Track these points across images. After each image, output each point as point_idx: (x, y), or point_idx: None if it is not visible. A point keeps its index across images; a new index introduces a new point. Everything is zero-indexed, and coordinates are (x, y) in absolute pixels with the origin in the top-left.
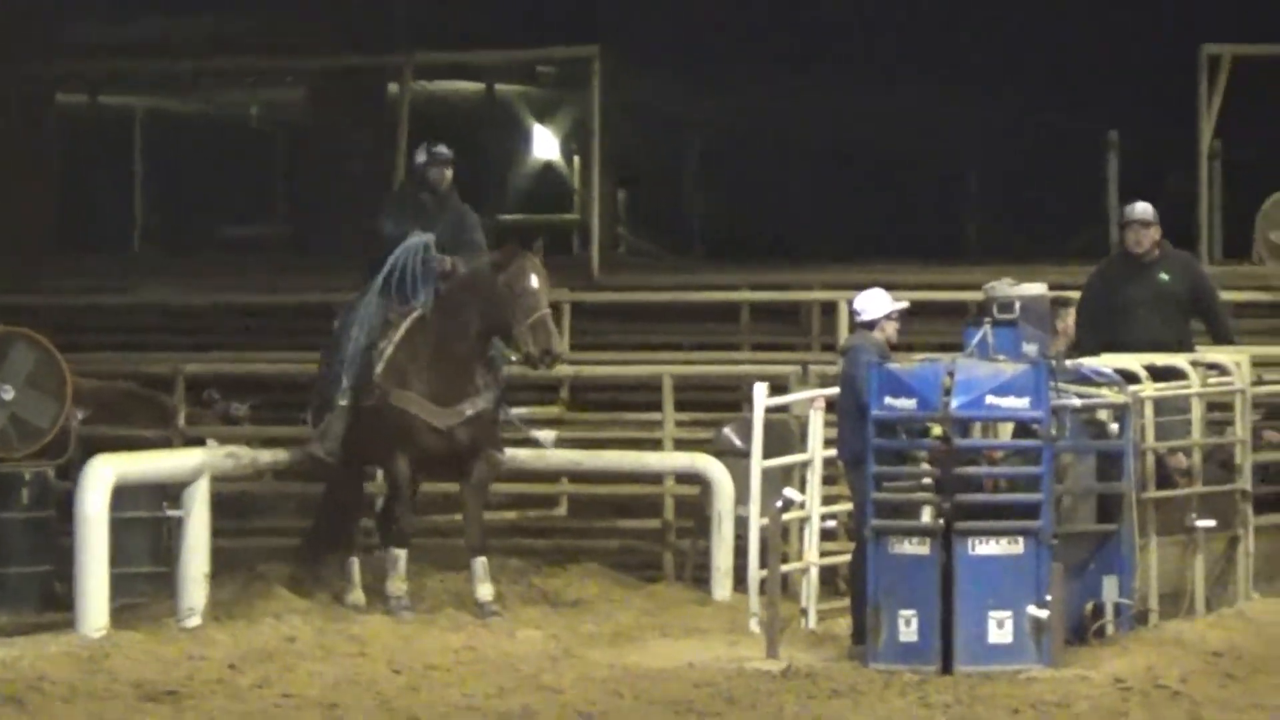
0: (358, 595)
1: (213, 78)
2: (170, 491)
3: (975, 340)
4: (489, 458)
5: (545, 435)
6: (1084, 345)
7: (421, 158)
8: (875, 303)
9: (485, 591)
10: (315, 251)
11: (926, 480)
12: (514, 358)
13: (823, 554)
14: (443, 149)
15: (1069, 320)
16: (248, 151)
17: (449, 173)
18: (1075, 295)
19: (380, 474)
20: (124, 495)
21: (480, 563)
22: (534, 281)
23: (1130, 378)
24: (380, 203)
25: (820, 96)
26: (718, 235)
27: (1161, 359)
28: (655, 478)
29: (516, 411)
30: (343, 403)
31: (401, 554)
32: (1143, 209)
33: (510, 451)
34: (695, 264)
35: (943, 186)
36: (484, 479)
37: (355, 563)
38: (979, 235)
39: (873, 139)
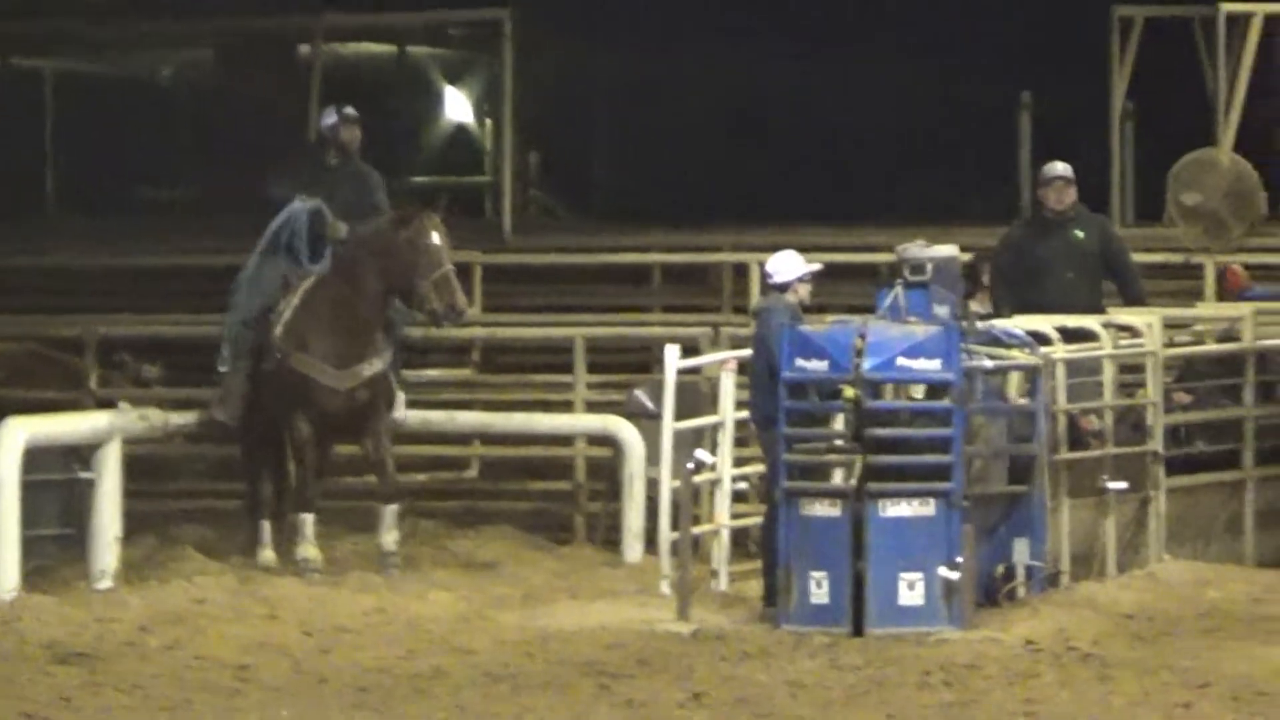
0: (268, 555)
1: (123, 40)
2: (82, 454)
3: (887, 302)
4: (386, 414)
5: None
6: (998, 305)
7: (331, 119)
8: (787, 265)
9: (389, 539)
10: (226, 214)
11: (838, 442)
12: (419, 317)
13: (734, 516)
14: (352, 110)
15: (985, 277)
16: (158, 114)
17: (358, 133)
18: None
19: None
20: (35, 458)
21: (390, 510)
22: (435, 238)
23: (1042, 339)
24: (278, 165)
25: (731, 59)
26: (628, 198)
27: (1073, 321)
28: (566, 440)
29: (429, 374)
30: (241, 365)
31: (308, 518)
32: (1063, 168)
33: (422, 414)
34: (607, 226)
35: (853, 148)
36: (384, 431)
37: (266, 524)
38: (888, 196)
39: (783, 100)
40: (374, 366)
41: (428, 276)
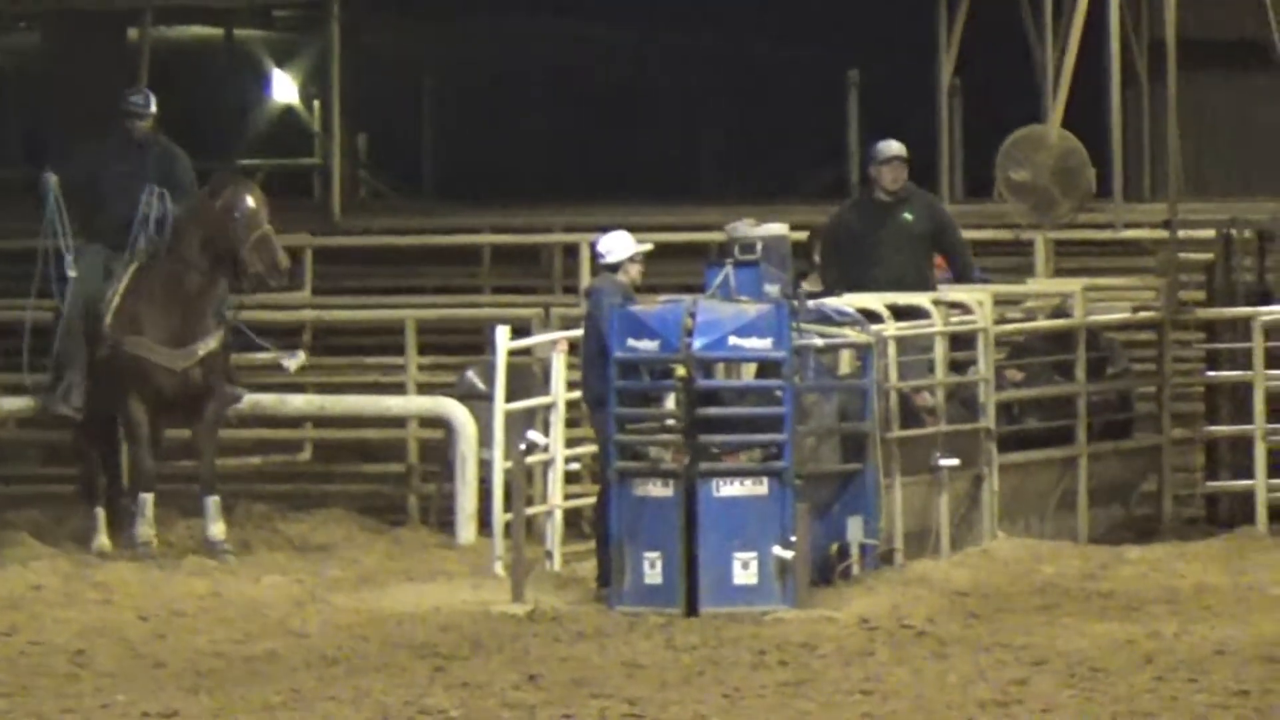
0: (103, 541)
1: None
2: None
3: (717, 281)
4: (222, 396)
5: (290, 361)
6: (828, 285)
7: (121, 104)
8: (618, 244)
9: (216, 530)
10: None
11: (669, 421)
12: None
13: (567, 496)
14: (137, 97)
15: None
16: None
17: (142, 123)
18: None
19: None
20: None
21: (212, 501)
22: (250, 201)
23: (873, 317)
24: (76, 149)
25: (559, 37)
26: (457, 178)
27: (904, 298)
28: (398, 422)
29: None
30: (78, 356)
31: (148, 498)
32: (898, 147)
33: (253, 397)
34: (437, 207)
35: (682, 126)
36: (216, 418)
37: (100, 511)
38: (718, 175)
39: (612, 79)
40: (207, 345)
41: (246, 240)
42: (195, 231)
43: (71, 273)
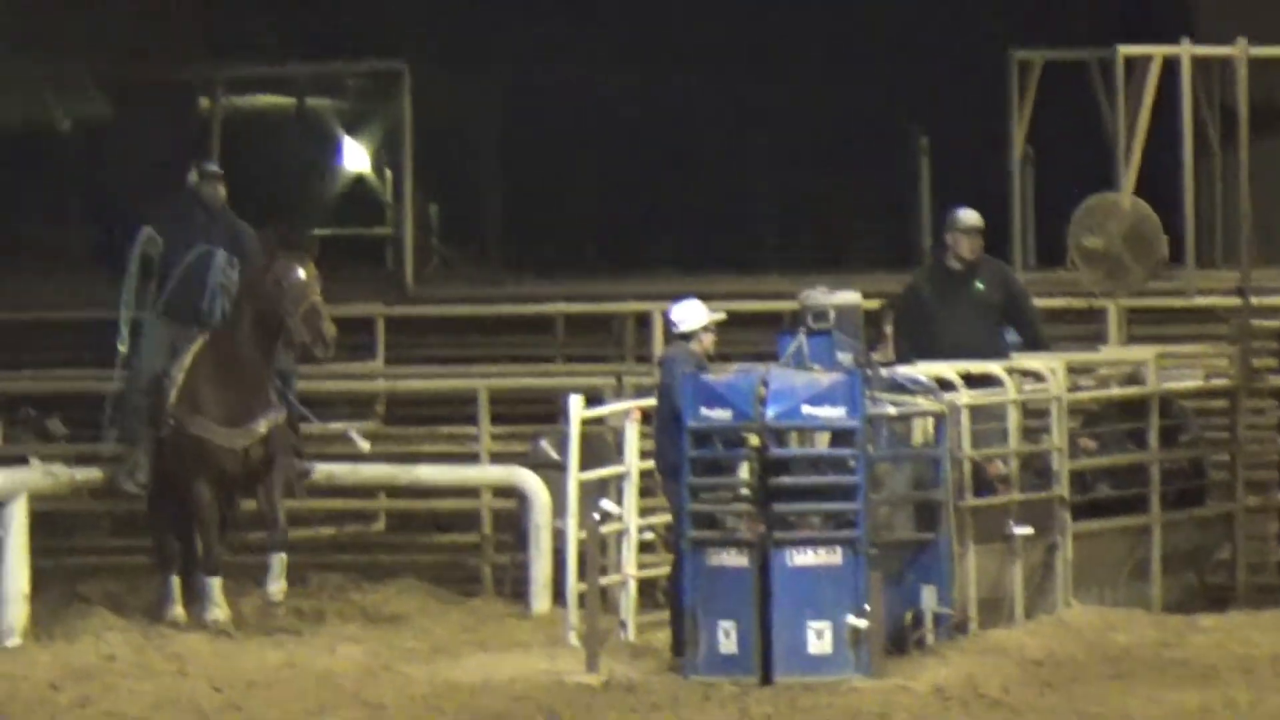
0: (177, 612)
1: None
2: None
3: (790, 349)
4: (288, 467)
5: (362, 441)
6: (900, 354)
7: (194, 177)
8: (691, 313)
9: (275, 590)
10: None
11: (743, 491)
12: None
13: (641, 566)
14: (213, 165)
15: (887, 326)
16: (54, 163)
17: (222, 189)
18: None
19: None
20: None
21: (278, 559)
22: (300, 273)
23: (946, 385)
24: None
25: (629, 106)
26: (528, 247)
27: (977, 366)
28: (472, 491)
29: (335, 425)
30: (144, 433)
31: (215, 582)
32: (976, 217)
33: (326, 467)
34: (509, 276)
35: (754, 193)
36: (281, 483)
37: (175, 580)
38: (791, 243)
39: (683, 147)
40: (268, 422)
41: (295, 310)
42: (250, 305)
43: (122, 347)
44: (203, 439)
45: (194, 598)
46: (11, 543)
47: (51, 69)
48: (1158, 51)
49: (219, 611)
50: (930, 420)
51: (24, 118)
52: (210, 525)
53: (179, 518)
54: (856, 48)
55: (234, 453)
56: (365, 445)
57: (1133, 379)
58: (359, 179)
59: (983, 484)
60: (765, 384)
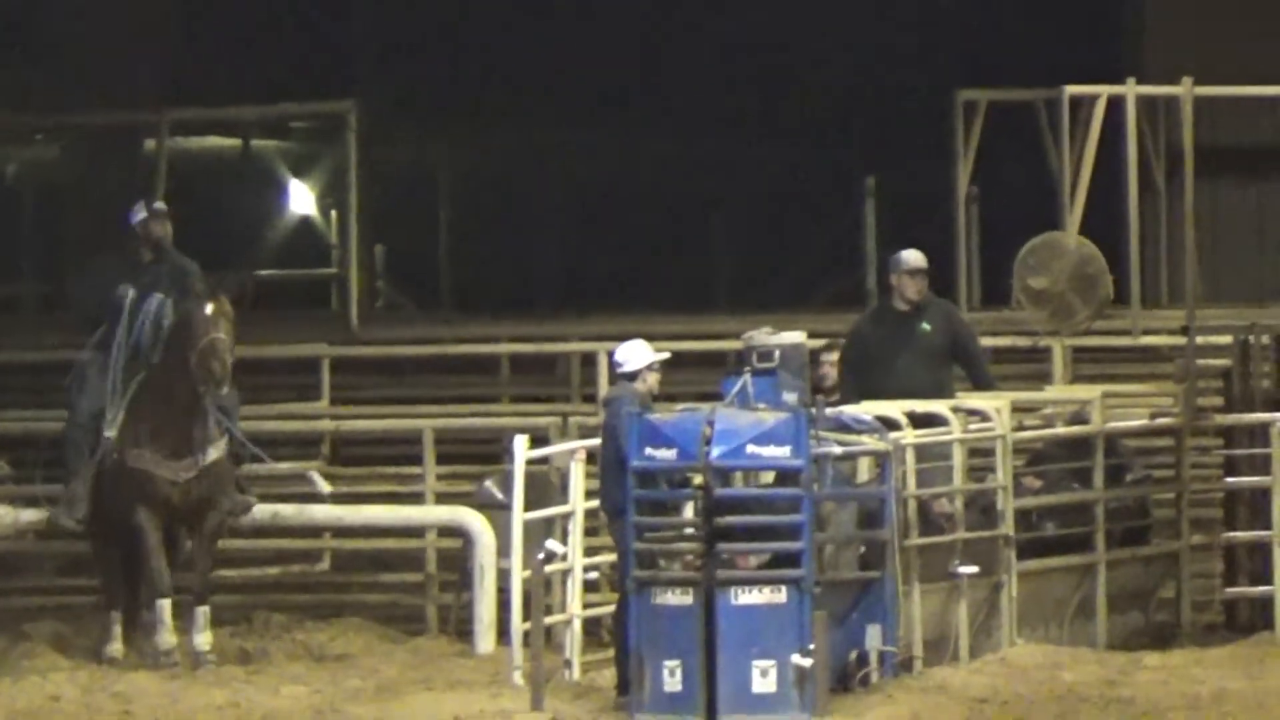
0: (116, 647)
1: None
2: None
3: (735, 389)
4: (224, 506)
5: (323, 485)
6: (844, 394)
7: (141, 214)
8: (636, 354)
9: (202, 640)
10: (71, 310)
11: (688, 530)
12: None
13: (586, 605)
14: (160, 204)
15: (827, 366)
16: (2, 210)
17: (168, 227)
18: (831, 341)
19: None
20: None
21: (201, 612)
22: (207, 309)
23: (891, 425)
24: (90, 265)
25: (575, 148)
26: (473, 288)
27: (922, 405)
28: (417, 531)
29: (285, 465)
30: (82, 469)
31: (165, 603)
32: (919, 258)
33: (271, 507)
34: (454, 317)
35: (698, 236)
36: (215, 530)
37: (116, 616)
38: (733, 283)
39: (627, 189)
40: (209, 456)
41: (195, 346)
42: (178, 341)
43: (72, 386)
44: (145, 471)
45: (139, 634)
46: None
47: (1, 117)
48: (1103, 91)
49: (169, 636)
50: (875, 459)
51: None
52: (155, 549)
53: (123, 555)
54: (802, 89)
55: (176, 485)
56: (326, 488)
57: (1078, 418)
58: (305, 220)
59: (928, 523)
60: (710, 424)
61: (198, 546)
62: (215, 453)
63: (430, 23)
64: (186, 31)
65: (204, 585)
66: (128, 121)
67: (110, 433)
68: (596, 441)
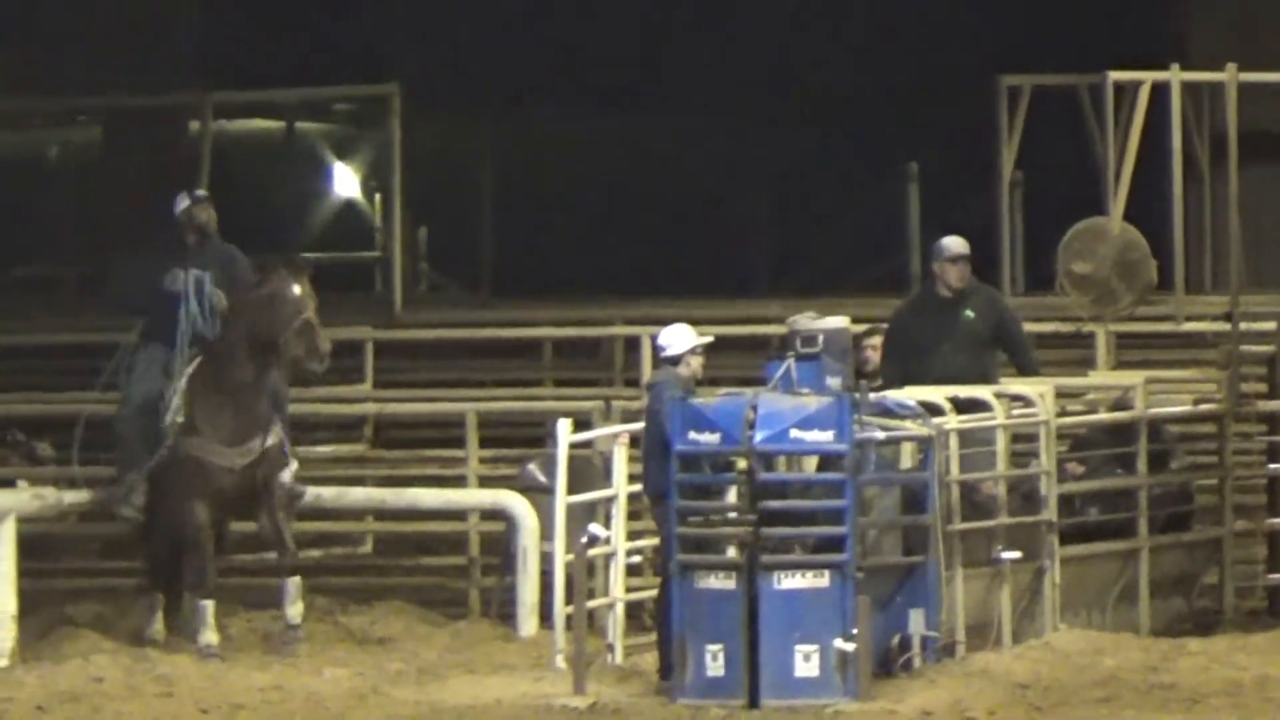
0: (157, 629)
1: (8, 116)
2: None
3: (778, 374)
4: (290, 492)
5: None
6: (888, 380)
7: (184, 203)
8: (679, 338)
9: (294, 613)
10: (108, 292)
11: (731, 515)
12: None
13: (629, 589)
14: (202, 191)
15: (869, 351)
16: (41, 192)
17: (212, 213)
18: (873, 326)
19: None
20: None
21: (293, 583)
22: (295, 288)
23: (935, 410)
24: (134, 252)
25: (619, 131)
26: (517, 271)
27: (966, 391)
28: (460, 515)
29: (320, 450)
30: (138, 459)
31: (208, 605)
32: (961, 244)
33: (314, 490)
34: (497, 300)
35: (743, 220)
36: (284, 502)
37: (158, 597)
38: (775, 267)
39: (672, 172)
40: (265, 440)
41: (289, 325)
42: (243, 323)
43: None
44: (201, 459)
45: (180, 619)
46: None
47: (44, 100)
48: (1147, 77)
49: (210, 635)
50: (919, 445)
51: (14, 146)
52: (204, 547)
53: (169, 539)
54: (845, 75)
55: (232, 472)
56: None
57: (1121, 404)
58: (348, 203)
59: (976, 506)
60: (754, 408)
61: (270, 524)
62: (272, 437)
63: (473, 5)
64: (228, 13)
65: (288, 556)
66: (170, 104)
67: (170, 420)
68: (639, 425)
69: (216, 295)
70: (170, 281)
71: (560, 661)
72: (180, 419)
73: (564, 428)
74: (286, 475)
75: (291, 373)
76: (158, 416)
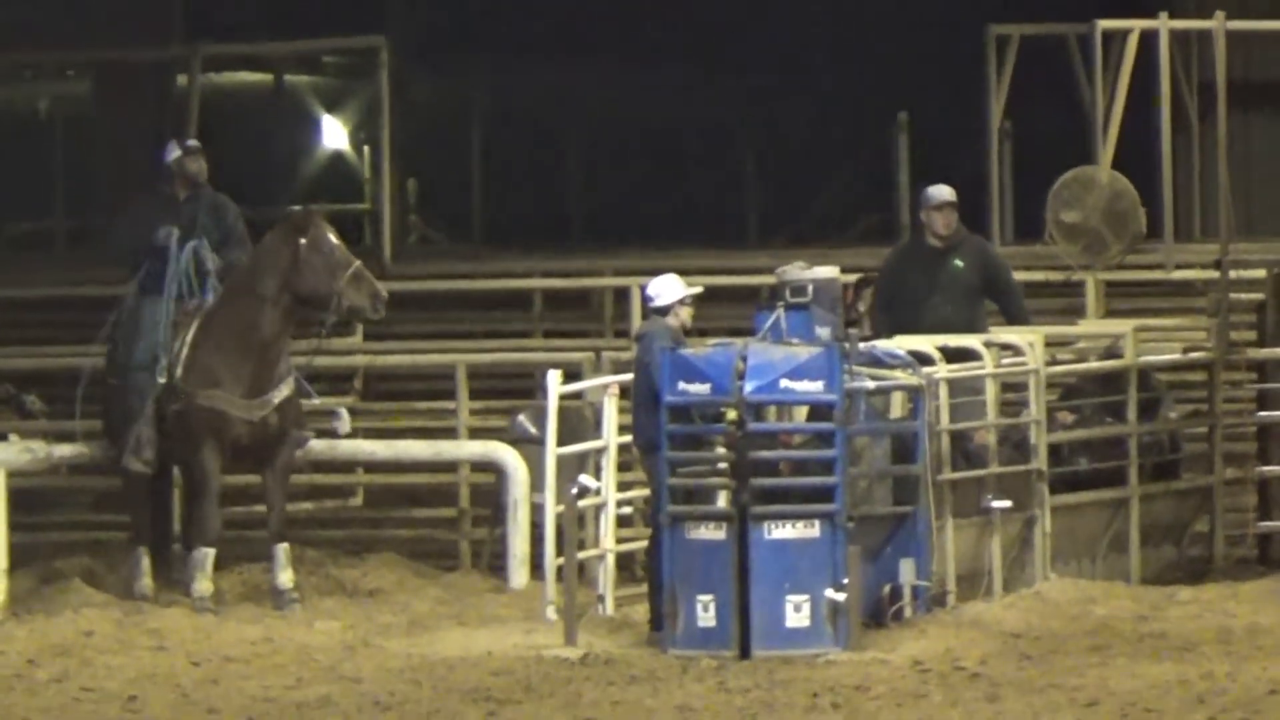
0: (146, 584)
1: None
2: None
3: (768, 324)
4: (294, 441)
5: (345, 424)
6: (878, 329)
7: (174, 152)
8: (668, 288)
9: (285, 579)
10: (99, 245)
11: (721, 465)
12: (330, 320)
13: (619, 540)
14: (194, 141)
15: (865, 302)
16: (31, 146)
17: (204, 163)
18: (866, 276)
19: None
20: None
21: (282, 549)
22: (334, 238)
23: (924, 359)
24: (124, 205)
25: (607, 82)
26: (506, 223)
27: (955, 340)
28: (450, 466)
29: (312, 402)
30: (147, 412)
31: (209, 553)
32: (949, 192)
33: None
34: (487, 252)
35: (731, 170)
36: (288, 465)
37: (144, 552)
38: (764, 218)
39: (658, 123)
40: (283, 392)
41: (342, 275)
42: (275, 274)
43: (123, 330)
44: (219, 410)
45: (165, 569)
46: None
47: (33, 54)
48: (1136, 25)
49: (206, 584)
50: (908, 394)
51: (3, 101)
52: (212, 495)
53: (159, 493)
54: (834, 25)
55: (249, 423)
56: (347, 428)
57: (1111, 352)
58: (337, 155)
59: (968, 455)
60: (743, 359)
61: (271, 483)
62: (287, 389)
63: None
64: None
65: (280, 522)
66: (159, 57)
67: (162, 376)
68: (629, 376)
69: (212, 257)
70: (164, 237)
71: (551, 613)
72: (187, 372)
73: (554, 379)
74: (342, 427)
75: (340, 321)
76: (161, 370)
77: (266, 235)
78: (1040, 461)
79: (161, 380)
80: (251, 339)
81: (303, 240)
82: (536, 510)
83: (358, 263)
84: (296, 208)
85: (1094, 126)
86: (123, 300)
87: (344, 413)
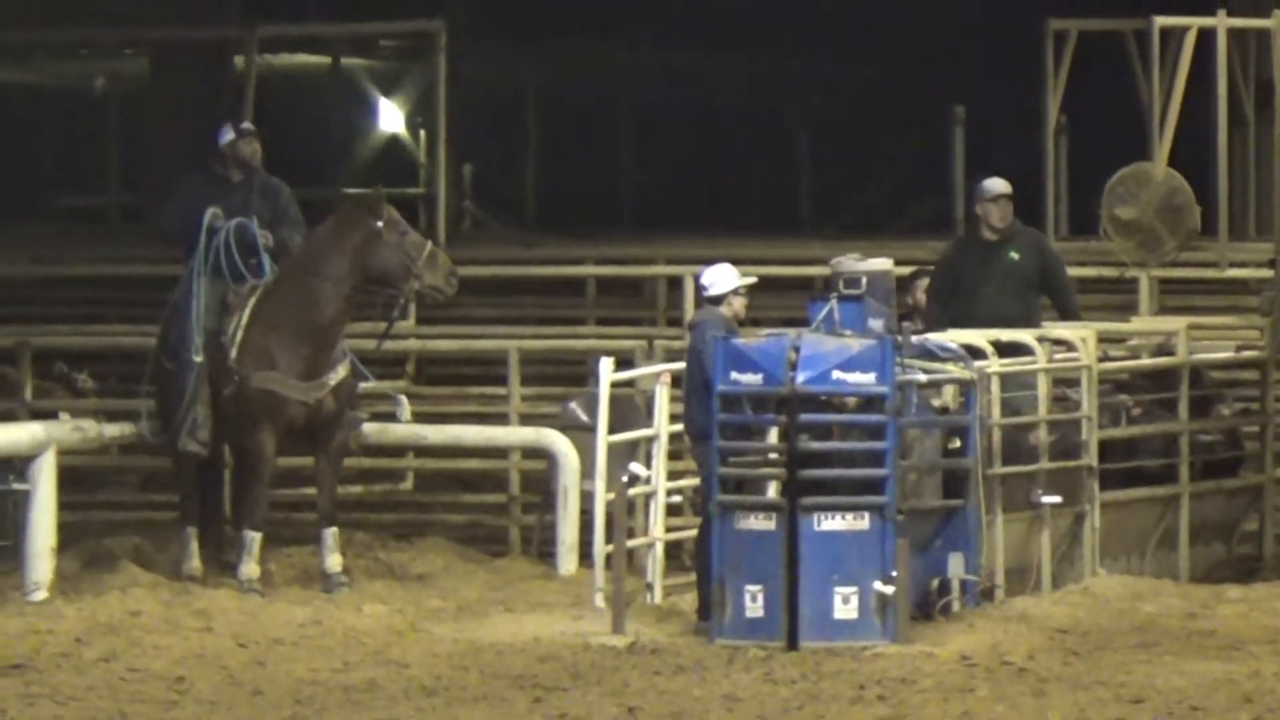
0: (194, 565)
1: (55, 48)
2: (16, 465)
3: (821, 315)
4: (349, 423)
5: (405, 410)
6: (932, 322)
7: (228, 135)
8: (722, 277)
9: (334, 562)
10: (153, 224)
11: (772, 455)
12: (401, 301)
13: (669, 529)
14: (249, 124)
15: (919, 294)
16: (87, 123)
17: (258, 146)
18: (921, 268)
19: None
20: None
21: (331, 533)
22: (402, 221)
23: (977, 353)
24: (177, 184)
25: (665, 71)
26: (561, 209)
27: (1008, 335)
28: (501, 452)
29: (363, 386)
30: (202, 393)
31: (257, 537)
32: (1004, 185)
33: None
34: (541, 238)
35: (787, 161)
36: (341, 448)
37: (193, 533)
38: (819, 208)
39: (717, 112)
40: (339, 374)
41: (419, 257)
42: (344, 256)
43: (177, 312)
44: (274, 392)
45: (213, 550)
46: (39, 497)
47: (91, 33)
48: (1193, 22)
49: (253, 568)
50: (960, 388)
51: (62, 78)
52: (264, 480)
53: (209, 473)
54: (892, 18)
55: (305, 405)
56: (407, 415)
57: (1163, 350)
58: (393, 139)
59: (1023, 451)
60: (796, 349)
61: (324, 466)
62: (343, 370)
63: None
64: None
65: (331, 505)
66: (216, 37)
67: (232, 353)
68: (681, 365)
69: (264, 235)
70: (214, 220)
71: (599, 600)
72: (241, 354)
73: (606, 366)
74: (403, 414)
75: (411, 300)
76: (222, 352)
77: (329, 217)
78: (1090, 457)
79: (198, 359)
80: (312, 320)
81: (379, 221)
82: (586, 497)
83: (429, 243)
84: (356, 190)
85: (1150, 123)
86: (179, 281)
87: (404, 400)
